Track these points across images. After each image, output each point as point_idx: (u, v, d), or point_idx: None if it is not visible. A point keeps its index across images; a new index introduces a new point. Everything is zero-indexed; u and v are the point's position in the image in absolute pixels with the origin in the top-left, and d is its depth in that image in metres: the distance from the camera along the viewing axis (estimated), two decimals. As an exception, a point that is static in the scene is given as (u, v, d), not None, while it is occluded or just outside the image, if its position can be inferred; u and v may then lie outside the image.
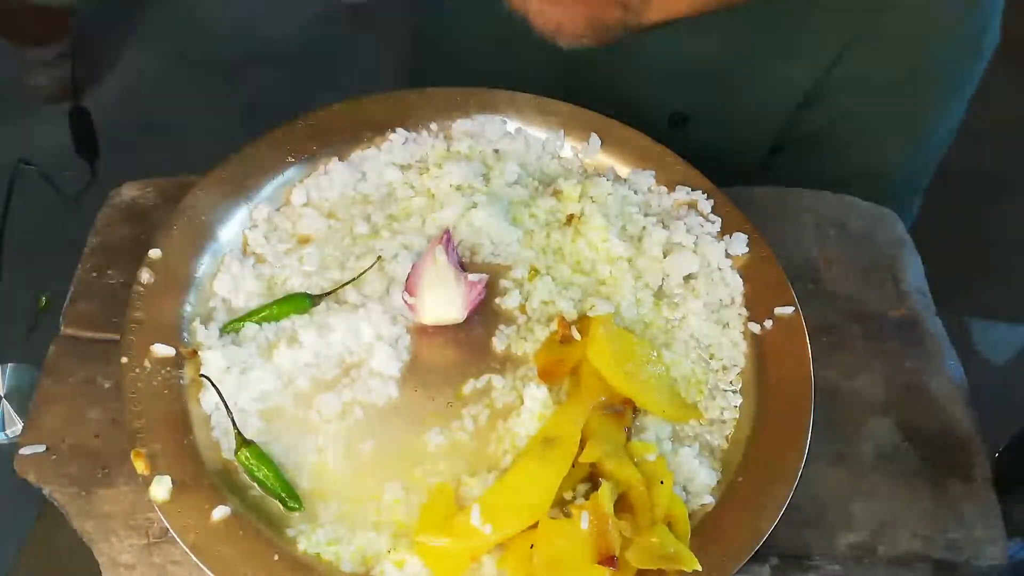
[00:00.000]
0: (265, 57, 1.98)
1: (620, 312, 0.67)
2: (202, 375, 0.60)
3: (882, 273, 0.74)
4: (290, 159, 0.73)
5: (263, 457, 0.58)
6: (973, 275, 1.63)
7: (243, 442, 0.58)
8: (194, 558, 0.54)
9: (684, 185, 0.74)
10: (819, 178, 0.80)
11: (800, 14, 0.79)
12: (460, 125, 0.77)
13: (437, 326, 0.66)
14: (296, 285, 0.67)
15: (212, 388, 0.59)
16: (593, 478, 0.58)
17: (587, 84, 0.78)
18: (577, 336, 0.65)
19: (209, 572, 0.54)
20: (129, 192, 0.73)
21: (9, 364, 0.67)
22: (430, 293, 0.64)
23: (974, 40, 0.82)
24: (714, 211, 0.73)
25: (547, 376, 0.63)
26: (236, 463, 0.59)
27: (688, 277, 0.70)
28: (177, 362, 0.62)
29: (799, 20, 0.79)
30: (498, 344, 0.66)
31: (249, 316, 0.64)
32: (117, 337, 0.63)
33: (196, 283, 0.66)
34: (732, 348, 0.68)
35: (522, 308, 0.68)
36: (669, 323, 0.68)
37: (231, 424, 0.59)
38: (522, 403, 0.62)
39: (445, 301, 0.64)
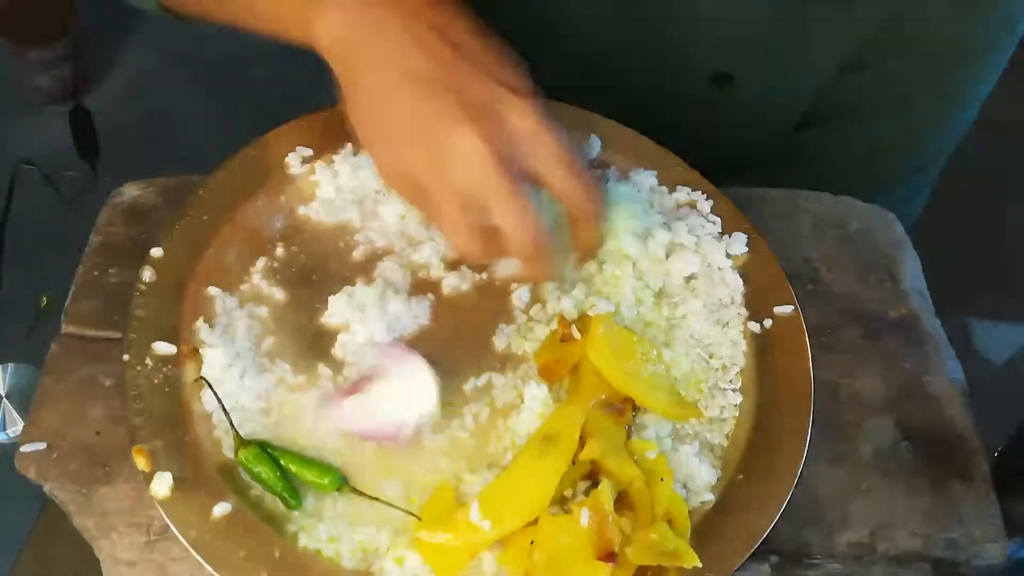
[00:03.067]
0: (266, 57, 1.98)
1: (620, 311, 0.67)
2: (201, 377, 0.60)
3: (881, 273, 0.74)
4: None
5: (263, 456, 0.58)
6: (973, 275, 1.64)
7: (242, 443, 0.58)
8: (195, 555, 0.54)
9: (685, 186, 0.75)
10: (848, 152, 0.78)
11: None
12: (461, 125, 0.77)
13: (437, 326, 0.66)
14: (297, 284, 0.67)
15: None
16: (593, 476, 0.58)
17: (632, 41, 0.76)
18: (577, 335, 0.65)
19: (210, 569, 0.54)
20: (130, 192, 0.73)
21: (9, 364, 0.67)
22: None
23: (1009, 20, 0.82)
24: (714, 211, 0.73)
25: (547, 374, 0.63)
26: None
27: (688, 277, 0.70)
28: (178, 360, 0.62)
29: None
30: (498, 343, 0.66)
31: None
32: (118, 335, 0.63)
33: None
34: (732, 347, 0.68)
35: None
36: (669, 322, 0.68)
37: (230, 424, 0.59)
38: (522, 401, 0.62)
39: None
